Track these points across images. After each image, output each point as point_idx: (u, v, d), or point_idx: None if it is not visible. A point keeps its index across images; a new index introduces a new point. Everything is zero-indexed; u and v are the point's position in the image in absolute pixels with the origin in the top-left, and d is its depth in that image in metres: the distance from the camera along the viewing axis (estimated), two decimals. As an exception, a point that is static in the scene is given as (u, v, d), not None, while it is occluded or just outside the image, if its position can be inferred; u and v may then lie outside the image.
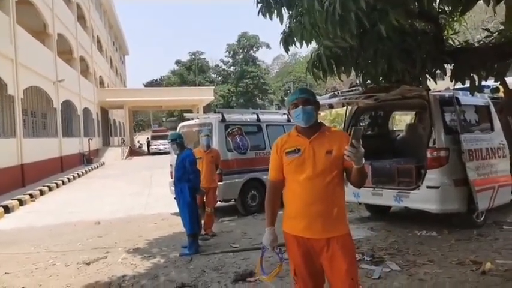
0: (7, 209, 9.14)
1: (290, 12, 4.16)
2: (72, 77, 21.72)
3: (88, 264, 5.00)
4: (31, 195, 10.91)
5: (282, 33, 4.36)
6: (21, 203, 10.08)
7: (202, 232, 5.91)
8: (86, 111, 25.36)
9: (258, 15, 4.14)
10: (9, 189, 11.60)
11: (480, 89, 4.65)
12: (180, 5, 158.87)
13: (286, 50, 4.42)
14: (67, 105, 20.69)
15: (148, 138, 37.07)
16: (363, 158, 2.11)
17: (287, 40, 4.29)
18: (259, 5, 4.11)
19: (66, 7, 21.46)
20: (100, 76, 31.77)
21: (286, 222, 2.35)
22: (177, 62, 62.22)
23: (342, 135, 2.32)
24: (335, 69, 4.20)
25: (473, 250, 4.70)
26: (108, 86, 35.25)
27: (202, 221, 5.91)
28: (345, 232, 2.27)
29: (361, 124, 7.14)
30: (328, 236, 2.22)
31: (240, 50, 58.52)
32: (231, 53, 59.63)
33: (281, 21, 4.13)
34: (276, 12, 4.07)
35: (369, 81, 4.61)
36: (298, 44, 4.12)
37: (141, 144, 37.70)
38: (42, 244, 6.15)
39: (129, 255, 5.31)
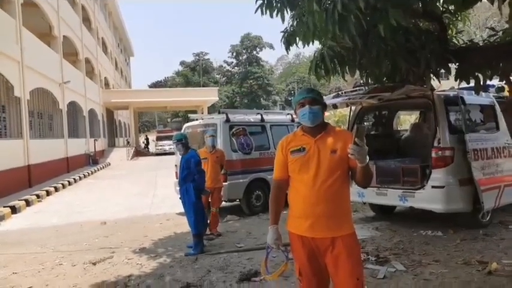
0: (14, 210, 9.23)
1: (293, 12, 4.16)
2: (78, 79, 21.86)
3: (94, 264, 5.04)
4: (38, 196, 11.00)
5: (283, 32, 4.33)
6: (28, 203, 10.17)
7: (208, 232, 5.94)
8: (92, 112, 25.51)
9: (256, 12, 4.12)
10: (16, 189, 11.71)
11: (485, 88, 4.63)
12: (183, 7, 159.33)
13: (287, 49, 4.42)
14: (73, 107, 20.84)
15: (146, 135, 36.86)
16: (368, 157, 2.11)
17: (289, 39, 4.29)
18: (258, 2, 4.09)
19: (72, 9, 21.60)
20: (105, 77, 31.95)
21: (291, 222, 2.35)
22: (181, 63, 62.46)
23: (346, 135, 2.30)
24: (338, 69, 4.20)
25: (479, 250, 4.69)
26: (113, 87, 35.44)
27: (208, 221, 5.94)
28: (350, 232, 2.27)
29: (365, 123, 7.12)
30: (333, 236, 2.22)
31: (244, 51, 58.55)
32: (235, 53, 59.70)
33: (282, 19, 4.13)
34: (277, 10, 4.06)
35: (372, 81, 4.60)
36: (300, 43, 4.12)
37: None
38: (49, 244, 6.21)
39: (135, 255, 5.35)
